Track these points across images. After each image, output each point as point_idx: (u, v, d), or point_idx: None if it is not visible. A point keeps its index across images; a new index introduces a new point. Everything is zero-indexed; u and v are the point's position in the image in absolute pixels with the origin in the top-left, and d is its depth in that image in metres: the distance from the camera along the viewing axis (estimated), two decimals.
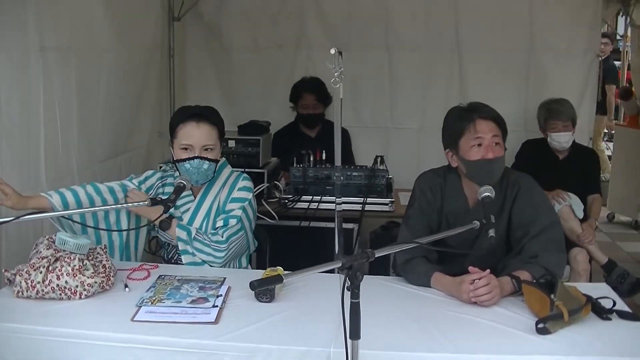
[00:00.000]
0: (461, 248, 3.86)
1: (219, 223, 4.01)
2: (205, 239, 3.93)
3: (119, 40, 5.25)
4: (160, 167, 4.32)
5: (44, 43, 4.29)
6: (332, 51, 3.18)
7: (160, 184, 4.14)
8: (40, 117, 4.32)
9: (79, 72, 4.66)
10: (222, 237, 3.95)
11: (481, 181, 3.71)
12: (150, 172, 4.17)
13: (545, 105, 6.10)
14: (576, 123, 6.05)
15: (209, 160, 3.91)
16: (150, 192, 4.08)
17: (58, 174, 4.47)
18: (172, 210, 3.89)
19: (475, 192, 3.75)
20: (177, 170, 3.95)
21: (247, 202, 4.10)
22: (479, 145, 3.75)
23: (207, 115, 3.98)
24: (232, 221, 4.00)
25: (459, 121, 3.84)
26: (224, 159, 4.15)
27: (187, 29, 7.19)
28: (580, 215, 5.73)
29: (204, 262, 3.94)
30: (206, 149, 3.90)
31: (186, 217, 4.03)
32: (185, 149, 3.89)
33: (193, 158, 3.87)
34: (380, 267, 4.13)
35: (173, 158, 3.98)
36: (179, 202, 3.93)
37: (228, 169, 4.16)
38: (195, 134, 3.89)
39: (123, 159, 5.38)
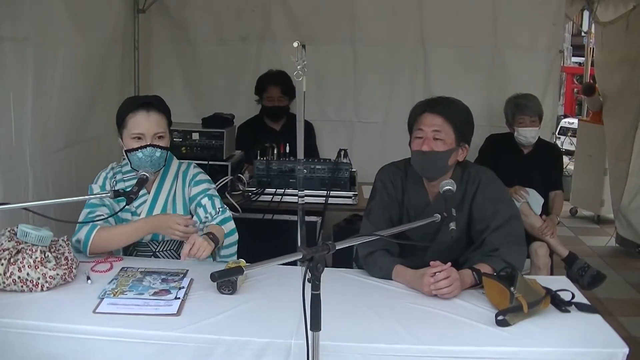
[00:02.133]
0: (422, 241, 3.89)
1: (205, 201, 4.02)
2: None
3: (78, 32, 5.19)
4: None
5: (0, 33, 4.26)
6: (295, 44, 3.20)
7: (112, 182, 4.03)
8: None
9: (35, 63, 4.60)
10: (227, 213, 4.04)
11: (419, 172, 3.87)
12: (102, 174, 4.07)
13: (513, 100, 6.13)
14: (542, 119, 6.09)
15: (161, 148, 3.88)
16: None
17: (12, 165, 4.42)
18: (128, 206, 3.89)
19: (434, 186, 3.79)
20: (128, 160, 3.90)
21: (211, 182, 4.17)
22: (419, 137, 3.81)
23: (156, 104, 3.95)
24: (217, 198, 4.08)
25: (413, 112, 3.92)
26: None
27: (152, 21, 7.14)
28: (538, 210, 5.78)
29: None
30: (157, 137, 3.87)
31: (143, 213, 3.99)
32: (137, 138, 3.83)
33: (145, 146, 3.82)
34: (343, 260, 4.15)
35: (123, 149, 3.93)
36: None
37: (175, 160, 4.13)
38: (146, 123, 3.84)
39: (76, 150, 5.30)
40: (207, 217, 3.98)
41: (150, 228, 3.72)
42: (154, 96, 4.08)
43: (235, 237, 3.98)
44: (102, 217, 3.82)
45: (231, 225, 3.98)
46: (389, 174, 4.03)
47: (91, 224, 3.80)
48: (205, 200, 4.01)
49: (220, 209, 4.00)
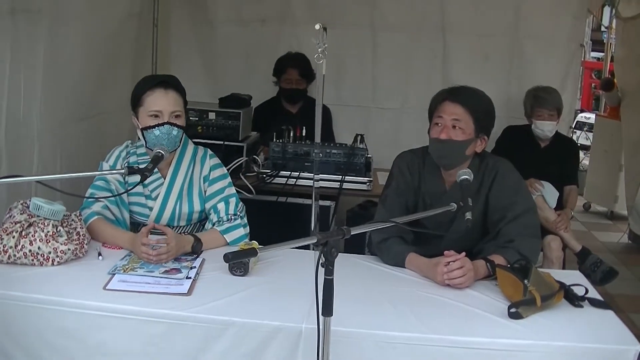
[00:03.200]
0: (437, 230, 3.87)
1: (220, 206, 3.96)
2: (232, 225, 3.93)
3: (93, 7, 5.15)
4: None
5: (14, 5, 4.23)
6: (317, 27, 3.18)
7: (125, 162, 3.96)
8: (5, 78, 4.25)
9: (48, 36, 4.57)
10: (242, 220, 3.97)
11: (436, 160, 3.86)
12: (116, 151, 4.03)
13: (533, 92, 6.09)
14: (561, 113, 6.06)
15: (178, 126, 3.84)
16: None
17: (18, 137, 4.41)
18: (141, 189, 3.87)
19: (450, 174, 3.78)
20: (144, 138, 3.84)
21: (228, 176, 4.10)
22: (437, 125, 3.79)
23: (173, 83, 3.92)
24: (233, 199, 4.01)
25: (434, 100, 3.90)
26: None
27: (172, 0, 7.12)
28: (554, 204, 5.75)
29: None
30: (175, 116, 3.84)
31: (158, 200, 3.94)
32: (155, 115, 3.79)
33: (162, 124, 3.78)
34: (355, 246, 4.13)
35: (139, 127, 3.88)
36: (147, 182, 3.81)
37: (191, 144, 4.09)
38: (164, 101, 3.81)
39: (86, 124, 5.27)
40: (218, 221, 3.94)
41: (130, 247, 3.66)
42: (171, 75, 4.06)
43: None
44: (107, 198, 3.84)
45: (238, 233, 3.90)
46: (406, 161, 4.01)
47: (92, 211, 3.79)
48: (220, 205, 3.96)
49: (233, 216, 3.95)
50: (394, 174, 4.01)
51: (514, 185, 3.87)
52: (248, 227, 3.97)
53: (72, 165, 4.97)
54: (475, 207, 3.40)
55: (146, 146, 3.86)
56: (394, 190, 3.95)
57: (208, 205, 3.99)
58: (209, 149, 4.15)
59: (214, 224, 3.93)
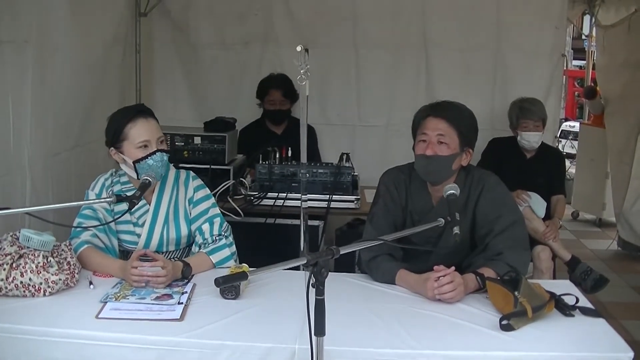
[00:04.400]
0: (426, 245, 3.89)
1: (205, 227, 3.96)
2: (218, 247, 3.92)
3: (79, 35, 5.18)
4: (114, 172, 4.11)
5: (0, 37, 4.25)
6: (299, 48, 3.19)
7: (109, 191, 3.96)
8: None
9: (35, 65, 4.59)
10: (226, 239, 3.96)
11: (423, 177, 3.87)
12: (101, 179, 4.01)
13: (518, 104, 6.13)
14: (546, 123, 6.09)
15: (166, 151, 3.86)
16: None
17: (9, 168, 4.41)
18: (128, 216, 3.86)
19: (437, 190, 3.80)
20: (136, 171, 3.81)
21: (211, 197, 4.10)
22: (423, 141, 3.80)
23: (148, 110, 3.93)
24: (217, 219, 4.00)
25: (417, 117, 3.92)
26: None
27: (153, 25, 7.13)
28: (542, 214, 5.79)
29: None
30: (160, 142, 3.84)
31: (145, 227, 3.93)
32: (144, 146, 3.78)
33: (154, 153, 3.78)
34: (346, 265, 4.14)
35: (126, 162, 3.84)
36: (134, 209, 3.73)
37: (172, 167, 4.08)
38: (148, 129, 3.80)
39: (76, 153, 5.28)
40: (203, 243, 3.93)
41: (120, 274, 3.65)
42: (140, 104, 4.07)
43: (231, 263, 3.87)
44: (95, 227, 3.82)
45: (224, 254, 3.90)
46: (392, 178, 4.02)
47: (82, 240, 3.77)
48: (205, 226, 3.96)
49: (218, 237, 3.94)
50: (381, 192, 4.02)
51: (501, 198, 3.88)
52: (234, 247, 3.97)
53: (64, 194, 4.98)
54: (462, 221, 3.40)
55: (138, 177, 3.81)
56: (382, 208, 3.95)
57: (193, 227, 3.99)
58: (191, 171, 4.15)
59: (199, 246, 3.93)
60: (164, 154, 3.83)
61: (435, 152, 3.75)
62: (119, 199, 3.49)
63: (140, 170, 3.78)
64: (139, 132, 3.78)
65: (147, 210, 3.94)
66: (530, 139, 5.98)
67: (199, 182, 4.09)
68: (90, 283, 3.50)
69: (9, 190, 4.41)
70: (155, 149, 3.78)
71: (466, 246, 3.87)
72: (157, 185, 3.92)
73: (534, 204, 5.74)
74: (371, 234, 3.83)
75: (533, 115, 5.98)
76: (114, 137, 3.83)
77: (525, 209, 5.60)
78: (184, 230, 3.98)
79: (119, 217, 3.73)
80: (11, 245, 3.41)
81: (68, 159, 5.20)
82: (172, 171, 4.05)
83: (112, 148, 3.87)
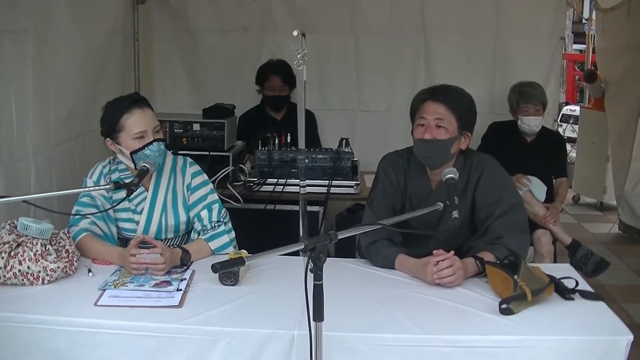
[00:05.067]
0: (425, 230, 3.89)
1: (204, 214, 3.94)
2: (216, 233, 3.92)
3: (78, 24, 5.18)
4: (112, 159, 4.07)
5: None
6: (295, 33, 3.18)
7: (107, 179, 3.93)
8: None
9: (36, 55, 4.58)
10: (225, 226, 3.95)
11: (422, 161, 3.86)
12: (99, 167, 4.00)
13: (518, 88, 6.12)
14: (546, 107, 6.09)
15: (163, 140, 3.86)
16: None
17: (12, 158, 4.41)
18: (127, 203, 3.86)
19: (436, 174, 3.79)
20: (133, 161, 3.79)
21: (209, 183, 4.08)
22: (422, 125, 3.80)
23: (143, 99, 3.93)
24: (215, 205, 3.99)
25: (415, 101, 3.91)
26: None
27: (152, 12, 7.12)
28: (542, 198, 5.80)
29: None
30: (156, 131, 3.84)
31: (144, 214, 3.93)
32: (141, 137, 3.77)
33: (151, 143, 3.78)
34: (347, 250, 4.14)
35: (123, 153, 3.84)
36: (132, 196, 3.76)
37: (169, 154, 4.05)
38: (145, 119, 3.80)
39: (79, 142, 5.30)
40: (202, 230, 3.93)
41: (119, 261, 3.64)
42: (135, 92, 4.06)
43: (230, 249, 3.88)
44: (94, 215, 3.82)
45: (222, 240, 3.89)
46: (391, 163, 4.01)
47: (80, 227, 3.77)
48: (204, 213, 3.95)
49: (217, 223, 3.94)
50: (380, 176, 4.02)
51: (500, 181, 3.87)
52: (233, 233, 3.96)
53: (67, 183, 4.98)
54: (462, 205, 3.39)
55: (135, 167, 3.80)
56: (381, 193, 3.95)
57: (192, 214, 3.98)
58: (188, 157, 4.14)
59: (198, 233, 3.93)
60: (161, 142, 3.82)
61: (433, 136, 3.74)
62: (117, 186, 3.48)
63: (137, 161, 3.77)
64: (135, 122, 3.78)
65: (145, 197, 3.93)
66: (531, 123, 5.97)
67: (196, 168, 4.08)
68: (89, 271, 3.50)
69: (15, 180, 4.42)
70: (152, 139, 3.78)
71: (466, 230, 3.86)
72: (154, 172, 3.90)
73: (534, 188, 5.74)
74: (370, 219, 3.83)
75: (533, 99, 5.97)
76: (110, 128, 3.82)
77: (525, 193, 5.60)
78: (183, 217, 3.97)
79: (117, 204, 3.73)
80: (9, 234, 3.41)
81: (72, 149, 5.21)
82: (170, 157, 4.04)
83: (108, 139, 3.86)
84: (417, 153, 3.87)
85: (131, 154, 3.78)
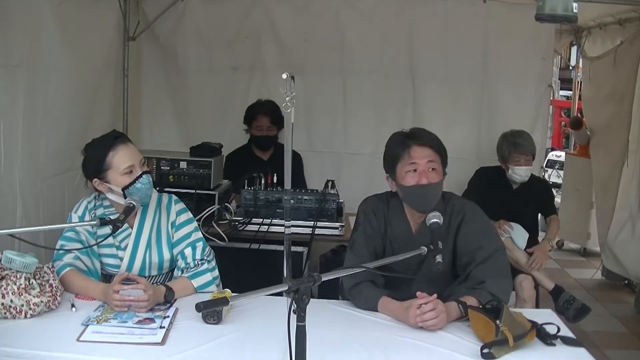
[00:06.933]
0: (405, 274, 3.88)
1: (187, 251, 3.94)
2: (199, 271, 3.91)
3: (70, 59, 5.23)
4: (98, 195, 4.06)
5: None
6: (284, 76, 3.20)
7: (92, 214, 3.94)
8: None
9: (27, 89, 4.63)
10: (209, 264, 3.95)
11: (417, 207, 3.84)
12: (84, 202, 3.99)
13: (510, 139, 6.13)
14: (535, 156, 6.13)
15: (149, 172, 3.88)
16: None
17: (0, 191, 4.44)
18: (111, 240, 3.85)
19: (418, 217, 3.82)
20: (125, 197, 3.78)
21: (194, 221, 4.09)
22: (414, 170, 3.78)
23: (124, 134, 3.97)
24: (199, 243, 3.99)
25: (396, 147, 3.89)
26: None
27: (142, 49, 7.16)
28: (523, 245, 5.83)
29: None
30: (142, 165, 3.85)
31: (128, 250, 3.92)
32: (129, 171, 3.78)
33: (140, 176, 3.79)
34: (331, 291, 4.14)
35: (113, 191, 3.82)
36: (116, 233, 3.77)
37: (154, 191, 4.04)
38: (131, 154, 3.81)
39: (69, 177, 5.31)
40: (185, 268, 3.92)
41: (103, 297, 3.62)
42: (114, 130, 4.08)
43: (213, 288, 3.88)
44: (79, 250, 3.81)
45: (206, 278, 3.90)
46: (371, 206, 4.02)
47: (64, 262, 3.76)
48: (187, 251, 3.95)
49: (200, 261, 3.93)
50: (360, 220, 4.02)
51: (482, 228, 3.89)
52: (217, 272, 3.96)
53: (55, 217, 4.99)
54: (443, 250, 3.41)
55: (125, 204, 3.78)
56: (362, 236, 3.95)
57: (175, 251, 3.98)
58: (173, 195, 4.15)
59: (182, 270, 3.93)
60: (148, 175, 3.85)
61: (429, 180, 3.75)
62: (103, 222, 3.48)
63: (130, 194, 3.78)
64: (122, 158, 3.78)
65: (130, 234, 3.93)
66: (522, 173, 6.01)
67: (181, 205, 4.09)
68: (72, 306, 3.49)
69: (0, 212, 4.42)
70: (141, 172, 3.79)
71: (447, 275, 3.86)
72: (139, 209, 3.90)
73: (515, 235, 5.77)
74: (353, 261, 3.83)
75: (526, 150, 6.02)
76: (97, 168, 3.81)
77: (506, 240, 5.63)
78: (166, 255, 3.97)
79: (102, 240, 3.73)
80: None
81: (61, 183, 5.23)
82: (155, 195, 4.04)
83: (95, 179, 3.85)
84: (410, 199, 3.86)
85: (123, 189, 3.78)
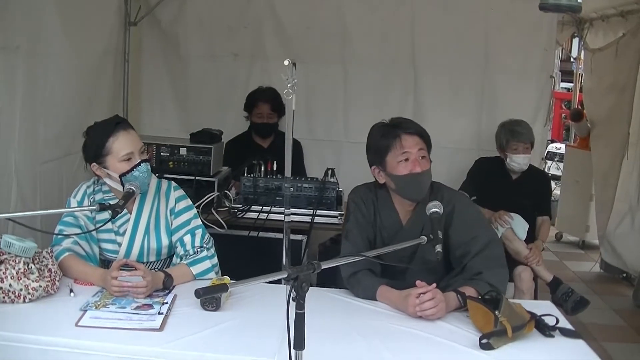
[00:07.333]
0: (400, 263, 3.87)
1: (187, 239, 3.95)
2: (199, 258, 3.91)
3: (71, 44, 5.20)
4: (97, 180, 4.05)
5: None
6: (286, 62, 3.19)
7: (91, 199, 3.94)
8: None
9: (26, 73, 4.61)
10: (208, 251, 3.95)
11: (410, 196, 3.84)
12: (83, 186, 3.98)
13: (508, 127, 6.11)
14: (534, 145, 6.11)
15: (148, 161, 3.87)
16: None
17: None
18: (110, 225, 3.85)
19: (407, 207, 3.85)
20: (122, 184, 3.78)
21: (193, 208, 4.09)
22: (406, 160, 3.78)
23: (126, 120, 3.95)
24: (199, 231, 3.99)
25: (384, 138, 3.86)
26: None
27: (143, 35, 7.14)
28: (523, 236, 5.78)
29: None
30: (141, 152, 3.85)
31: (126, 236, 3.92)
32: (128, 159, 3.77)
33: (138, 164, 3.78)
34: (329, 279, 4.14)
35: (111, 176, 3.82)
36: (115, 218, 3.75)
37: (153, 177, 4.04)
38: (131, 141, 3.81)
39: (67, 161, 5.30)
40: (185, 255, 3.93)
41: (101, 283, 3.62)
42: (116, 115, 4.07)
43: (212, 275, 3.88)
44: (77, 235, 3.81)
45: (204, 265, 3.89)
46: (361, 195, 4.02)
47: (63, 247, 3.76)
48: (187, 238, 3.95)
49: (199, 248, 3.94)
50: (351, 209, 4.01)
51: (474, 219, 3.90)
52: (216, 259, 3.96)
53: (52, 202, 4.98)
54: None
55: (124, 190, 3.79)
56: (354, 224, 3.94)
57: (174, 238, 3.98)
58: (172, 182, 4.15)
59: (180, 257, 3.93)
60: (147, 163, 3.84)
61: (423, 168, 3.76)
62: (102, 207, 3.49)
63: (127, 181, 3.77)
64: (121, 145, 3.78)
65: (128, 220, 3.92)
66: (520, 162, 5.98)
67: (180, 192, 4.08)
68: (71, 291, 3.49)
69: None
70: (139, 160, 3.78)
71: (441, 266, 3.84)
72: (138, 195, 3.88)
73: (516, 225, 5.74)
74: (349, 250, 3.83)
75: (523, 137, 5.99)
76: (96, 152, 3.81)
77: (507, 231, 5.62)
78: (165, 241, 3.97)
79: (102, 225, 3.73)
80: None
81: (59, 167, 5.21)
82: (154, 181, 4.04)
83: (94, 163, 3.84)
84: (404, 189, 3.85)
85: (120, 176, 3.78)
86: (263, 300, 3.51)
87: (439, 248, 3.24)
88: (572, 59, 11.53)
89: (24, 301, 3.32)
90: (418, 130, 3.83)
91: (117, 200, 3.73)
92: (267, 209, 5.42)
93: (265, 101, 6.51)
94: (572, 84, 11.79)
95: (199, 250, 3.91)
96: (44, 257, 3.53)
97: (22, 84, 4.57)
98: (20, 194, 4.64)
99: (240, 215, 5.46)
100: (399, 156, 3.79)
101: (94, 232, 3.86)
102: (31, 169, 4.79)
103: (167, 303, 3.41)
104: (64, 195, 5.03)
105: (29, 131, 4.71)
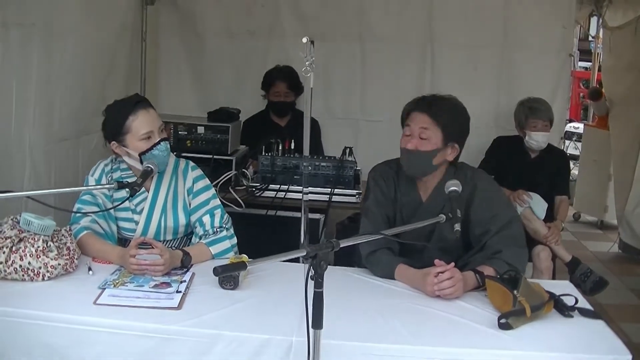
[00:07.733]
0: (417, 242, 3.86)
1: (206, 219, 3.94)
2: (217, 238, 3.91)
3: (87, 21, 5.18)
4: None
5: (6, 18, 4.25)
6: (304, 40, 3.18)
7: (109, 177, 3.94)
8: None
9: (42, 50, 4.59)
10: (227, 231, 3.95)
11: (405, 171, 3.87)
12: (101, 165, 3.99)
13: (527, 104, 6.07)
14: (553, 123, 6.07)
15: (167, 139, 3.88)
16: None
17: (8, 152, 4.45)
18: (127, 203, 3.84)
19: (427, 184, 3.86)
20: (142, 162, 3.78)
21: (212, 187, 4.09)
22: (407, 135, 3.81)
23: (146, 99, 3.95)
24: (218, 211, 3.99)
25: (404, 110, 3.93)
26: None
27: (160, 13, 7.11)
28: (542, 215, 5.75)
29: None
30: (161, 131, 3.85)
31: (143, 214, 3.93)
32: (147, 137, 3.77)
33: (158, 143, 3.78)
34: (346, 258, 4.13)
35: (130, 155, 3.83)
36: (133, 197, 3.78)
37: (171, 155, 4.04)
38: (151, 120, 3.80)
39: (84, 141, 5.28)
40: (204, 235, 3.93)
41: (119, 261, 3.63)
42: (136, 94, 4.06)
43: (230, 255, 3.87)
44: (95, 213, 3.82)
45: (223, 245, 3.90)
46: (381, 173, 4.01)
47: (81, 225, 3.78)
48: (206, 218, 3.95)
49: (219, 229, 3.94)
50: (371, 187, 4.01)
51: (494, 197, 3.88)
52: (235, 239, 3.97)
53: (66, 180, 4.97)
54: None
55: (143, 168, 3.78)
56: (374, 202, 3.94)
57: (193, 218, 3.98)
58: (190, 161, 4.15)
59: (200, 237, 3.93)
60: (166, 142, 3.84)
61: (415, 146, 3.75)
62: (121, 185, 3.48)
63: (147, 160, 3.77)
64: (141, 124, 3.78)
65: (146, 198, 3.93)
66: (539, 139, 5.94)
67: (198, 172, 4.08)
68: (89, 269, 3.51)
69: (8, 173, 4.43)
70: (159, 139, 3.78)
71: (459, 245, 3.83)
72: (156, 173, 3.88)
73: (535, 205, 5.71)
74: (368, 228, 3.82)
75: (543, 115, 5.94)
76: (116, 131, 3.82)
77: (525, 210, 5.59)
78: (182, 220, 3.98)
79: (120, 203, 3.75)
80: (11, 229, 3.41)
81: (76, 145, 5.21)
82: (172, 159, 4.04)
83: (113, 142, 3.85)
84: (402, 162, 3.89)
85: (140, 155, 3.78)
86: (281, 279, 3.50)
87: (457, 227, 3.22)
88: (590, 38, 11.44)
89: (43, 279, 3.33)
90: (432, 111, 3.78)
91: (135, 178, 3.73)
92: (284, 187, 5.42)
93: (282, 80, 6.49)
94: (590, 63, 11.74)
95: (218, 230, 3.91)
96: (62, 235, 3.54)
97: (37, 61, 4.55)
98: (34, 172, 4.65)
99: (258, 194, 5.47)
100: (404, 129, 3.86)
101: (112, 211, 3.86)
102: (45, 147, 4.78)
103: (185, 281, 3.41)
104: (80, 175, 5.03)
105: (44, 110, 4.70)
